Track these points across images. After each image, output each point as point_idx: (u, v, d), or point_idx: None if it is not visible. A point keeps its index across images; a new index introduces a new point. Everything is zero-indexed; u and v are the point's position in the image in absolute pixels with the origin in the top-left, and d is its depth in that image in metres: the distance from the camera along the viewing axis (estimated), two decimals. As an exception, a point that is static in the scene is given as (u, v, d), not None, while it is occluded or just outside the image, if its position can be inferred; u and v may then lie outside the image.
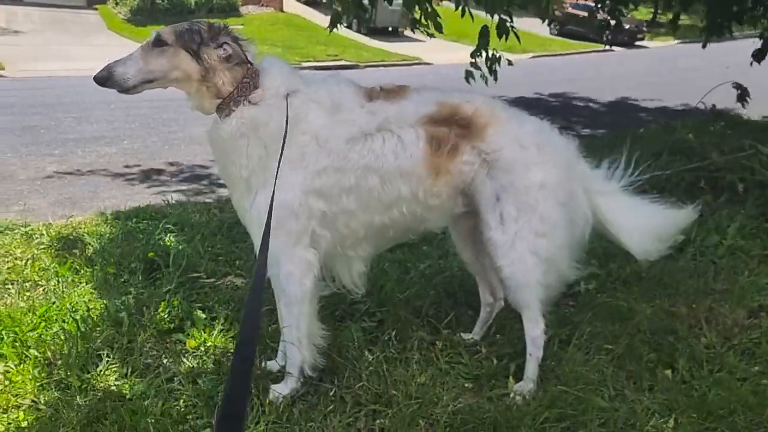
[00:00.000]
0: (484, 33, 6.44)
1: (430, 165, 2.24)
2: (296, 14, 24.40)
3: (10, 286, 3.22)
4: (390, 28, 23.00)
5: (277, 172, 1.98)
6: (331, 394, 2.35)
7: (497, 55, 6.73)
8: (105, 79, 2.11)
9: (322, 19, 24.00)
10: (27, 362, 2.45)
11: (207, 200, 5.20)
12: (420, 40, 23.34)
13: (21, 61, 14.77)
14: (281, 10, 24.64)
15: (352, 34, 22.43)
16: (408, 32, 23.05)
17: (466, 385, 2.46)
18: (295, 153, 2.14)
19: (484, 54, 6.64)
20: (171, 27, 2.20)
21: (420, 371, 2.45)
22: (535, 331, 2.41)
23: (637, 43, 24.88)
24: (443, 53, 20.12)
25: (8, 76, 13.14)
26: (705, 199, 4.52)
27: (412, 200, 2.28)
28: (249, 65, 2.20)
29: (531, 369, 2.43)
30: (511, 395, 2.38)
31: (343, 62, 18.13)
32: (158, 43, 2.14)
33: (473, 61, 6.67)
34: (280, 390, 2.33)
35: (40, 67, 14.28)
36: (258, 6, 24.84)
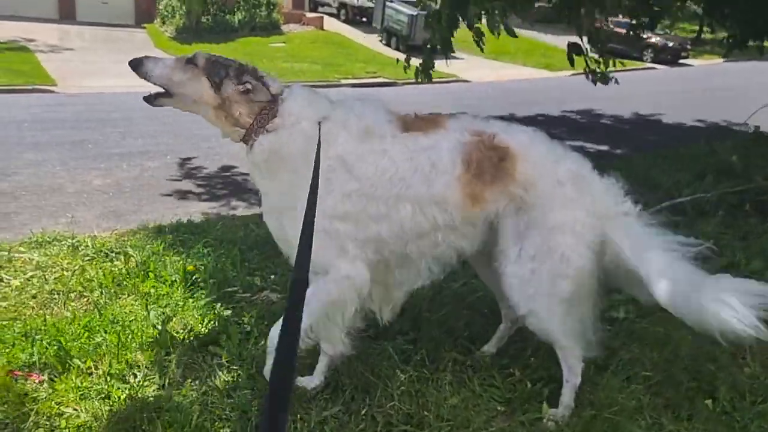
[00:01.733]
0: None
1: (466, 193, 2.22)
2: (336, 32, 24.78)
3: (56, 296, 3.33)
4: (428, 46, 23.16)
5: (313, 195, 1.77)
6: (362, 412, 2.36)
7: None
8: (135, 65, 2.25)
9: (362, 37, 24.33)
10: (70, 371, 2.53)
11: (245, 214, 5.30)
12: (458, 58, 23.40)
13: (72, 77, 15.37)
14: (322, 28, 25.06)
15: (391, 51, 22.63)
16: (446, 50, 23.14)
17: (499, 408, 2.44)
18: (322, 178, 2.09)
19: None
20: (209, 54, 2.32)
21: (452, 393, 2.45)
22: (570, 359, 2.37)
23: (681, 61, 24.41)
24: (481, 70, 20.11)
25: (60, 92, 13.66)
26: (750, 223, 4.41)
27: (447, 228, 2.26)
28: (268, 98, 2.26)
29: (567, 395, 2.38)
30: (545, 420, 2.35)
31: (381, 79, 18.30)
32: (190, 61, 2.28)
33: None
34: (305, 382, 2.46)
35: (90, 83, 14.82)
36: (299, 24, 25.31)
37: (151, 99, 2.31)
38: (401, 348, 2.75)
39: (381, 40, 24.00)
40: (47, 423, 2.26)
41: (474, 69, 20.13)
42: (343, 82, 17.79)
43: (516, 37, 7.05)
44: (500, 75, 19.56)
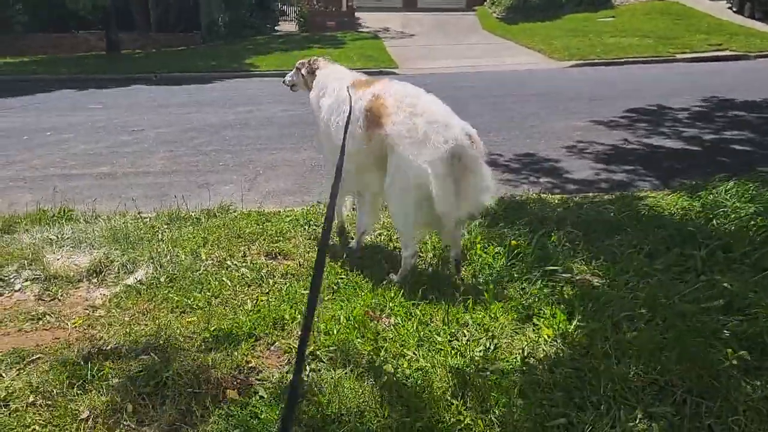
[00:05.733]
0: None
1: (367, 132, 3.32)
2: (676, 1, 22.36)
3: (396, 253, 3.79)
4: (797, 10, 19.25)
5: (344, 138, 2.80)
6: (698, 420, 2.16)
7: None
8: (284, 83, 4.38)
9: (707, 6, 21.48)
10: (413, 320, 2.88)
11: (563, 194, 5.24)
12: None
13: (411, 60, 17.08)
14: (658, -2, 22.89)
15: (743, 20, 19.52)
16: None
17: None
18: (319, 117, 3.80)
19: None
20: (301, 60, 4.22)
21: (816, 422, 2.07)
22: (404, 252, 3.40)
23: None
24: None
25: (400, 73, 15.32)
26: None
27: (362, 153, 3.37)
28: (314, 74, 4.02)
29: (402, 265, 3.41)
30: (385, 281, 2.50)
31: (727, 52, 15.94)
32: (296, 68, 4.24)
33: None
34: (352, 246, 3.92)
35: (424, 65, 16.28)
36: (632, -5, 23.56)
37: (291, 89, 4.38)
38: (748, 358, 2.43)
39: (731, 7, 20.84)
40: (393, 361, 2.61)
41: None
42: (678, 56, 16.00)
43: None
44: None
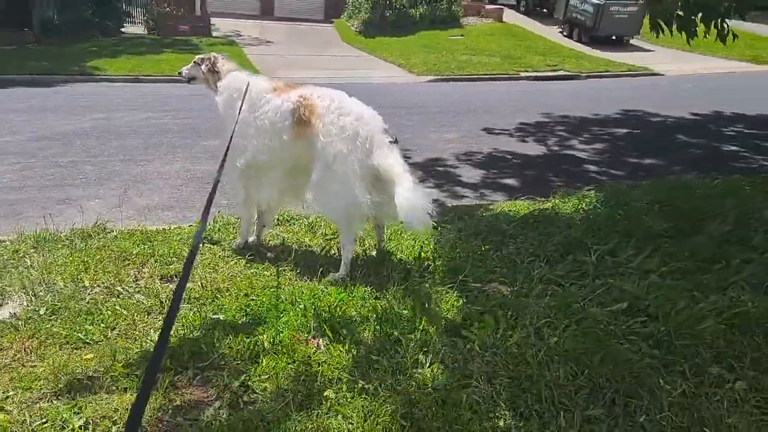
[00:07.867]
0: None
1: (294, 131, 3.61)
2: (515, 24, 24.29)
3: (306, 271, 3.67)
4: (614, 37, 21.82)
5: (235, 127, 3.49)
6: (632, 420, 2.31)
7: None
8: (180, 74, 4.24)
9: (542, 29, 23.60)
10: (343, 341, 2.77)
11: (461, 204, 5.42)
12: (648, 50, 21.80)
13: (272, 68, 16.73)
14: (500, 20, 24.70)
15: (572, 43, 21.73)
16: (636, 41, 21.70)
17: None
18: (232, 119, 3.64)
19: None
20: (200, 56, 4.17)
21: (730, 412, 2.30)
22: (343, 239, 3.64)
23: None
24: (674, 63, 18.61)
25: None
26: None
27: (286, 153, 3.69)
28: (220, 74, 4.01)
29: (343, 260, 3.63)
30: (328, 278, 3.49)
31: (562, 72, 17.63)
32: (194, 63, 4.14)
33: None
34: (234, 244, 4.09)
35: (287, 74, 16.05)
36: (477, 17, 25.19)
37: (189, 81, 4.20)
38: (660, 357, 2.66)
39: (561, 32, 23.09)
40: (330, 384, 2.50)
41: (665, 62, 18.70)
42: (522, 74, 17.39)
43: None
44: (695, 68, 17.96)
